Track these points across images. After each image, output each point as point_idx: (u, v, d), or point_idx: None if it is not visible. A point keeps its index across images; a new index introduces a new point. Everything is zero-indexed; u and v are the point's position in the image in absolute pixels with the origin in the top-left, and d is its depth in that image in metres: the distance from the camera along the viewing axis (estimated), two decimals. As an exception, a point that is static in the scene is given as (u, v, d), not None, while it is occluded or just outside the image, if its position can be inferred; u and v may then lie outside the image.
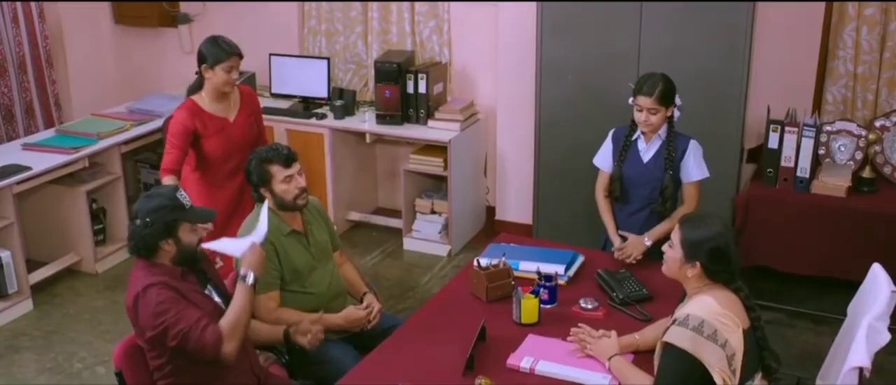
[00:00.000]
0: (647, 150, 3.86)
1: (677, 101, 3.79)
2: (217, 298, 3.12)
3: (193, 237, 3.01)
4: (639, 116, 3.75)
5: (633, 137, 3.88)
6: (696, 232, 2.78)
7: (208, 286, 3.13)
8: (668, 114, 3.77)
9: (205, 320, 2.90)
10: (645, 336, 3.09)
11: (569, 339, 3.10)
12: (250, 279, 3.01)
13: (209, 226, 3.09)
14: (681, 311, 2.76)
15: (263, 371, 3.27)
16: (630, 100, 3.81)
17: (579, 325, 3.14)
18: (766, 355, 2.80)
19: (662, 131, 3.82)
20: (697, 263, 2.76)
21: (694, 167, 3.83)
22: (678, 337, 2.67)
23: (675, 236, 2.83)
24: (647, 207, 3.89)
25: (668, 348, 2.70)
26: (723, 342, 2.65)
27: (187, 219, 2.97)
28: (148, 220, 2.93)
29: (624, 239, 3.83)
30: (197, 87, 4.27)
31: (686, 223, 2.84)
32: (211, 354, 2.90)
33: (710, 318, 2.66)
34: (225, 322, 2.94)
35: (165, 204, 2.94)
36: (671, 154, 3.80)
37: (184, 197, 3.01)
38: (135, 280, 2.98)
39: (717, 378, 2.64)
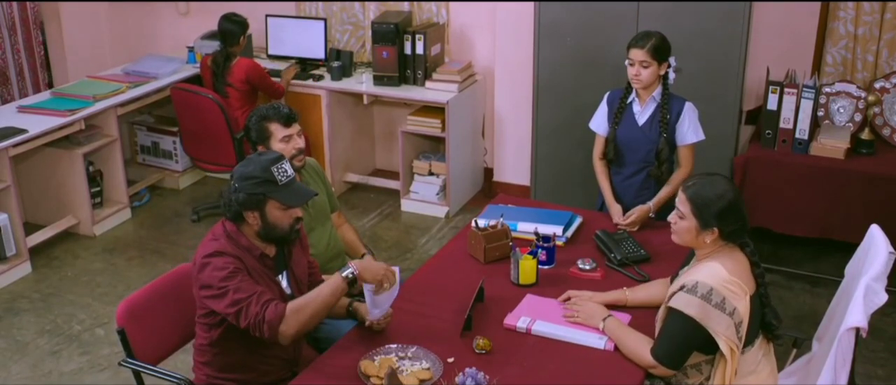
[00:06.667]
0: (642, 112, 3.84)
1: (672, 61, 3.76)
2: (286, 288, 2.91)
3: (283, 217, 2.76)
4: (630, 71, 3.73)
5: (628, 100, 3.86)
6: (706, 195, 2.71)
7: (285, 272, 2.92)
8: (661, 72, 3.74)
9: (268, 295, 2.69)
10: (636, 293, 3.10)
11: (563, 311, 3.07)
12: (348, 273, 2.72)
13: (298, 211, 2.82)
14: (689, 278, 2.70)
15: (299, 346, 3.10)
16: (627, 62, 3.79)
17: (569, 295, 3.10)
18: (768, 312, 2.80)
19: (657, 93, 3.80)
20: (715, 229, 2.71)
21: (689, 129, 3.81)
22: (686, 304, 2.65)
23: (684, 206, 2.74)
24: (644, 171, 3.87)
25: (675, 314, 2.68)
26: (731, 310, 2.63)
27: (276, 197, 2.71)
28: (236, 185, 2.72)
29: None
30: None
31: (691, 189, 2.75)
32: (266, 332, 2.66)
33: (718, 287, 2.63)
34: (293, 303, 2.69)
35: (256, 175, 2.70)
36: (665, 116, 3.78)
37: (280, 171, 2.72)
38: (209, 242, 2.78)
39: (723, 347, 2.63)
